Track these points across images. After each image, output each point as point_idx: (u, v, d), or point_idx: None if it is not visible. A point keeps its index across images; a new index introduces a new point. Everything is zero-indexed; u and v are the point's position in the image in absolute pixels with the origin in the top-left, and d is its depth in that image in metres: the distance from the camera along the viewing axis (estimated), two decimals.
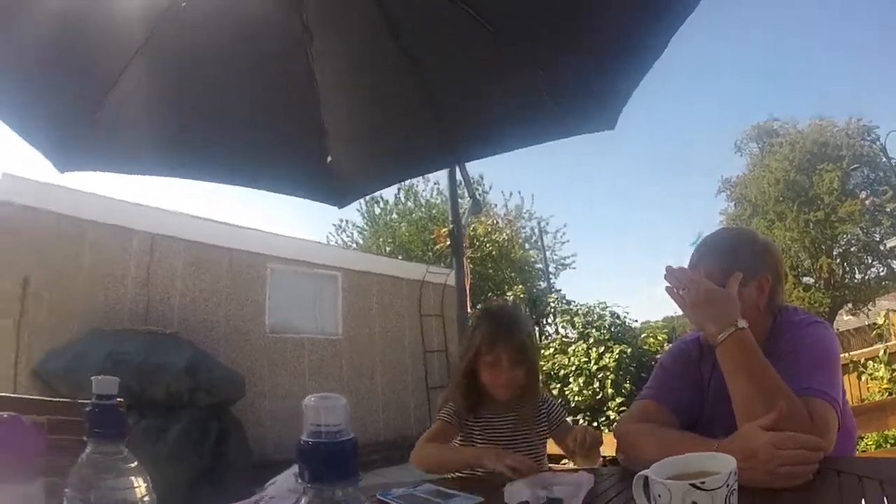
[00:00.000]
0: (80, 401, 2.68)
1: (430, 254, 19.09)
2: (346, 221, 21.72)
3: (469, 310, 4.85)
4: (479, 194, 5.69)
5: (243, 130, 2.89)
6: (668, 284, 1.68)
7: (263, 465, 6.69)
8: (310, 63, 2.65)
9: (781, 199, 24.70)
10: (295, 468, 1.51)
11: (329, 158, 3.01)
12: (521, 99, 2.68)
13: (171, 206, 11.58)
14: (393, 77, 2.78)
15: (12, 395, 2.61)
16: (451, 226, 4.10)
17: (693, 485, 0.87)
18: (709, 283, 1.62)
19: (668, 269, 1.70)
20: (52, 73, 2.21)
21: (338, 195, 3.32)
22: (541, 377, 2.22)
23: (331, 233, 21.69)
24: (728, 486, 0.88)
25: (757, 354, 1.51)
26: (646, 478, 0.99)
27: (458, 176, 4.96)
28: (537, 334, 8.73)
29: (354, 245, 20.91)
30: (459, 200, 4.84)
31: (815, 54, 42.67)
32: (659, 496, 0.91)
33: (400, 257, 17.72)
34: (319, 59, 2.66)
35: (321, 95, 2.80)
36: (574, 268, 18.56)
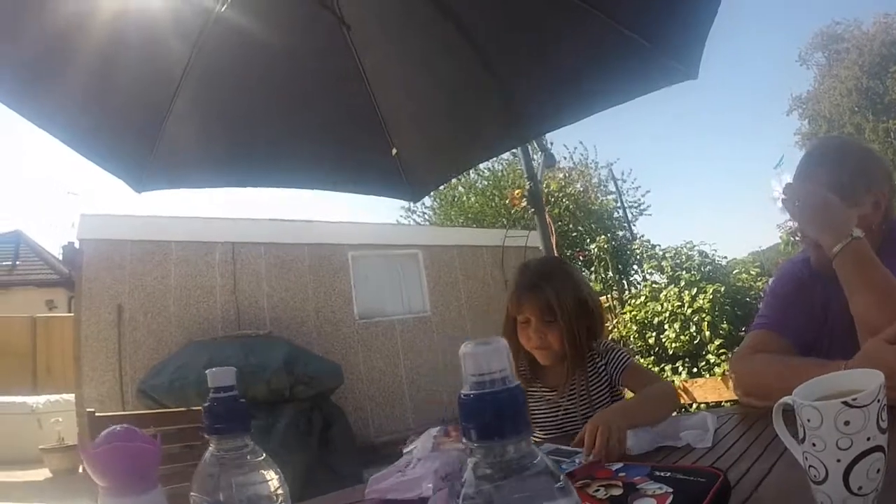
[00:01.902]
0: (182, 408, 2.80)
1: (504, 219, 18.91)
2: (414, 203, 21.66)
3: None
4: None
5: (304, 134, 2.88)
6: (784, 196, 1.57)
7: (367, 448, 6.84)
8: (355, 55, 2.60)
9: (857, 109, 23.37)
10: (432, 430, 1.50)
11: (394, 151, 2.96)
12: (593, 56, 2.49)
13: (246, 210, 11.78)
14: (446, 57, 2.67)
15: (118, 413, 2.69)
16: (528, 183, 3.96)
17: (846, 402, 0.81)
18: (823, 192, 1.52)
19: (787, 185, 1.58)
20: (114, 104, 2.26)
21: (411, 189, 3.26)
22: (589, 331, 1.94)
23: (401, 216, 21.74)
24: (878, 400, 0.82)
25: (876, 264, 1.42)
26: (784, 406, 0.93)
27: None
28: (624, 285, 8.51)
29: (427, 223, 20.91)
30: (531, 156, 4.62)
31: None
32: (808, 420, 0.85)
33: (474, 226, 17.61)
34: (365, 53, 2.61)
35: (373, 87, 2.75)
36: (649, 214, 18.07)
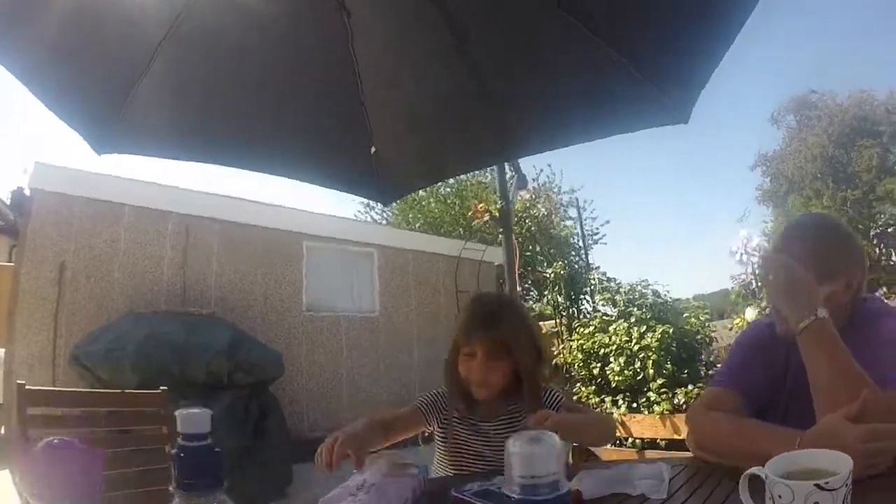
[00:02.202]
0: (120, 390, 2.69)
1: (461, 229, 18.97)
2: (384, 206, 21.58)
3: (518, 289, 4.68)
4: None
5: (283, 119, 2.78)
6: (761, 271, 1.66)
7: (299, 441, 6.73)
8: (351, 47, 2.53)
9: (819, 175, 24.16)
10: (385, 456, 1.42)
11: (373, 149, 2.90)
12: (589, 86, 2.46)
13: (205, 185, 11.54)
14: (441, 64, 2.62)
15: (50, 389, 2.57)
16: (499, 202, 3.94)
17: (818, 485, 0.87)
18: (797, 267, 1.56)
19: (763, 256, 1.68)
20: (85, 56, 2.16)
21: (383, 191, 3.22)
22: (540, 375, 1.96)
23: (359, 210, 21.63)
24: (847, 485, 0.88)
25: (837, 344, 1.46)
26: (750, 477, 0.97)
27: None
28: (574, 312, 8.58)
29: (384, 221, 20.83)
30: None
31: (856, 25, 40.65)
32: (780, 497, 0.90)
33: (430, 233, 17.62)
34: (360, 44, 2.54)
35: (363, 80, 2.68)
36: (605, 243, 18.38)
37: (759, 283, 1.76)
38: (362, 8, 2.34)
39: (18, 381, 2.16)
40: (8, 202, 15.51)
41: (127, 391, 2.67)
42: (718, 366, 2.09)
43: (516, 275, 4.40)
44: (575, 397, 7.39)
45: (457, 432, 1.94)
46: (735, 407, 1.67)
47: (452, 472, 1.94)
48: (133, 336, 5.96)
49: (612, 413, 6.47)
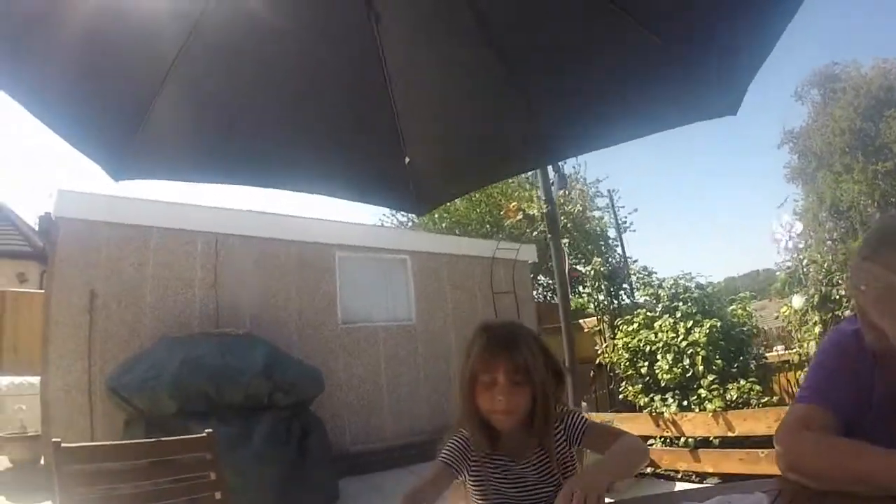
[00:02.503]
0: (175, 437, 2.57)
1: (488, 226, 18.81)
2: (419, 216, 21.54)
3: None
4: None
5: (308, 133, 2.63)
6: (853, 282, 1.58)
7: (342, 457, 6.61)
8: (380, 51, 2.35)
9: (847, 149, 23.65)
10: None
11: (407, 160, 2.73)
12: (634, 80, 2.28)
13: (231, 202, 11.51)
14: (475, 69, 2.45)
15: (89, 445, 2.46)
16: (545, 207, 3.78)
17: None
18: (890, 276, 1.48)
19: (853, 265, 1.60)
20: (96, 83, 2.05)
21: (418, 203, 3.05)
22: (557, 398, 1.86)
23: (384, 214, 21.58)
24: None
25: None
26: None
27: None
28: (615, 309, 8.37)
29: (410, 224, 20.74)
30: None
31: None
32: None
33: (457, 232, 17.51)
34: (390, 50, 2.37)
35: (394, 92, 2.52)
36: (634, 230, 18.11)
37: (848, 290, 1.63)
38: (392, 12, 2.16)
39: (54, 440, 2.03)
40: (36, 228, 15.83)
41: (171, 439, 2.52)
42: (801, 381, 1.94)
43: (567, 278, 4.22)
44: (621, 396, 7.20)
45: (489, 475, 1.80)
46: (826, 425, 1.58)
47: None
48: (168, 362, 5.85)
49: (663, 412, 6.31)
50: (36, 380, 7.72)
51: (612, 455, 1.63)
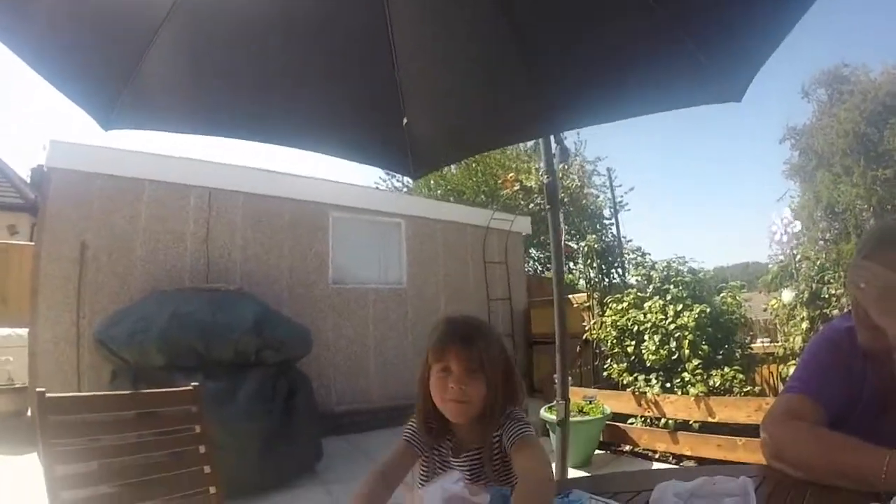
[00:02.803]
0: (164, 389, 2.56)
1: (483, 195, 18.79)
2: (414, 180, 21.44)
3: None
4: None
5: (307, 87, 2.58)
6: (853, 280, 1.57)
7: (326, 416, 6.65)
8: (385, 11, 2.33)
9: (849, 152, 23.49)
10: (442, 483, 1.26)
11: (405, 121, 2.70)
12: (642, 58, 2.25)
13: (227, 157, 11.44)
14: (481, 32, 2.41)
15: (73, 395, 2.45)
16: (546, 178, 3.73)
17: None
18: (890, 275, 1.50)
19: (852, 263, 1.61)
20: (88, 28, 1.99)
21: (414, 166, 3.00)
22: (513, 400, 1.84)
23: (381, 177, 21.51)
24: None
25: None
26: None
27: None
28: (606, 286, 8.40)
29: (405, 189, 20.70)
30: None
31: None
32: None
33: (452, 199, 17.49)
34: (395, 8, 2.34)
35: (397, 51, 2.48)
36: (629, 209, 18.07)
37: (853, 291, 1.63)
38: None
39: (38, 389, 2.02)
40: (28, 180, 15.78)
41: (156, 391, 2.53)
42: (792, 370, 1.97)
43: (563, 254, 4.18)
44: (605, 373, 7.25)
45: (432, 465, 1.82)
46: (814, 417, 1.61)
47: None
48: (157, 316, 5.82)
49: (646, 392, 6.40)
50: (24, 332, 7.72)
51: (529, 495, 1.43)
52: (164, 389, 2.49)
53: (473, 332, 1.79)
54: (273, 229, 8.60)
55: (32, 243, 8.68)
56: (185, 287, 7.15)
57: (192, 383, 2.46)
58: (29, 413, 7.00)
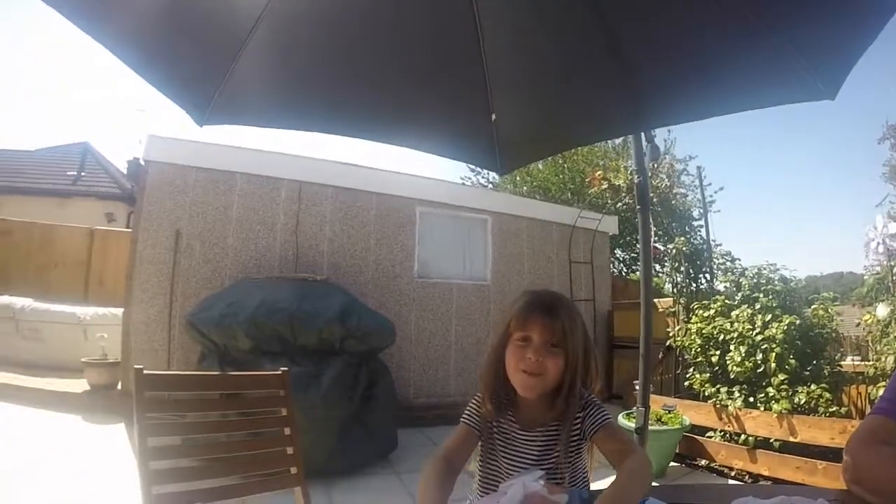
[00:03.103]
0: (255, 372, 2.67)
1: (569, 193, 18.54)
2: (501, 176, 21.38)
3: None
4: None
5: (395, 83, 2.62)
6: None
7: (404, 408, 6.72)
8: (474, 5, 2.33)
9: None
10: (524, 480, 1.28)
11: (493, 116, 2.70)
12: (735, 54, 2.18)
13: (317, 151, 11.69)
14: (573, 29, 2.38)
15: (169, 373, 2.58)
16: (637, 178, 3.66)
17: None
18: None
19: None
20: (186, 28, 2.09)
21: (501, 161, 3.01)
22: (590, 381, 1.81)
23: (466, 174, 21.56)
24: None
25: None
26: None
27: None
28: (693, 292, 8.13)
29: (490, 186, 20.68)
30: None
31: None
32: None
33: (538, 196, 17.34)
34: (484, 4, 2.34)
35: (486, 44, 2.48)
36: (718, 210, 17.44)
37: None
38: None
39: (136, 366, 2.13)
40: (125, 172, 16.68)
41: (247, 373, 2.66)
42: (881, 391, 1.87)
43: (651, 255, 4.10)
44: (686, 382, 7.02)
45: (495, 440, 1.80)
46: None
47: (482, 487, 1.83)
48: (246, 302, 6.03)
49: (728, 406, 6.15)
50: (118, 311, 8.24)
51: (630, 481, 1.48)
52: (254, 373, 2.61)
53: (558, 304, 1.77)
54: (360, 222, 8.77)
55: (129, 230, 9.19)
56: (273, 276, 7.39)
57: (281, 368, 2.54)
58: (119, 387, 7.44)
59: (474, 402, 1.84)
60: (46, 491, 4.55)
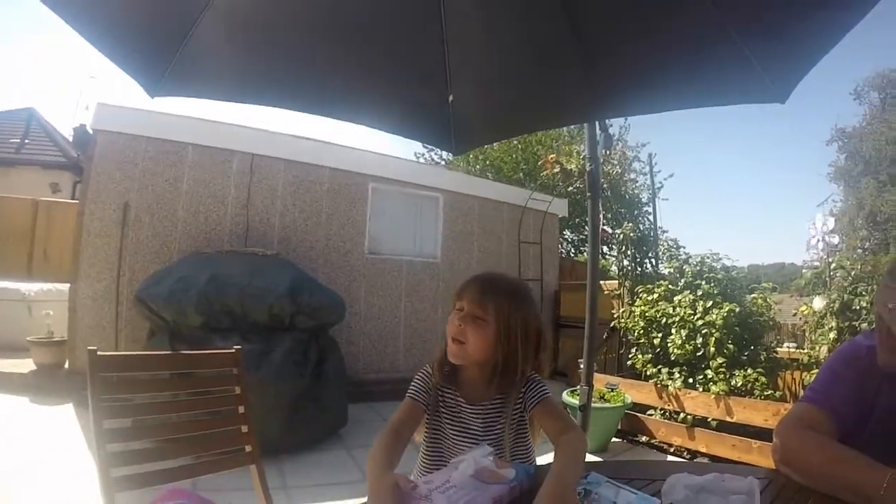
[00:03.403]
0: (210, 350, 2.66)
1: (521, 173, 18.69)
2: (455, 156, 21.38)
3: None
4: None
5: (353, 59, 2.61)
6: (881, 299, 1.63)
7: (354, 383, 6.77)
8: None
9: None
10: (474, 455, 1.33)
11: (451, 98, 2.73)
12: (692, 52, 2.25)
13: (270, 125, 11.52)
14: (534, 13, 2.41)
15: (121, 354, 2.56)
16: (589, 165, 3.71)
17: None
18: None
19: (883, 285, 1.65)
20: (142, 3, 2.07)
21: (456, 141, 3.04)
22: (529, 362, 1.85)
23: (419, 152, 21.53)
24: None
25: None
26: None
27: None
28: (638, 276, 8.32)
29: (443, 162, 20.70)
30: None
31: None
32: None
33: (489, 175, 17.43)
34: None
35: (447, 26, 2.50)
36: (666, 198, 17.81)
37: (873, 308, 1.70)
38: None
39: (90, 348, 2.13)
40: (70, 139, 16.12)
41: (200, 352, 2.66)
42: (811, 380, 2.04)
43: (599, 242, 4.18)
44: (629, 362, 7.24)
45: (440, 411, 1.88)
46: (824, 428, 1.66)
47: (428, 458, 1.89)
48: (196, 277, 5.97)
49: (668, 386, 6.42)
50: (64, 287, 8.05)
51: (570, 461, 1.51)
52: (207, 351, 2.61)
53: (500, 285, 1.86)
54: (312, 197, 8.71)
55: (75, 201, 8.92)
56: (224, 250, 7.30)
57: (234, 346, 2.55)
58: (66, 366, 7.26)
59: (419, 376, 1.90)
60: None
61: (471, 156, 20.33)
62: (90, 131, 7.44)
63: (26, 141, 16.46)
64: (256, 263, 6.58)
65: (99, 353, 2.12)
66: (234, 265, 6.36)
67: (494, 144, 19.82)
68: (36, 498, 4.17)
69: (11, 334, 8.30)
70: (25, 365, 7.37)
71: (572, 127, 19.20)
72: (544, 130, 16.37)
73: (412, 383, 1.89)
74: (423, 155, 21.29)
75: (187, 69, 2.30)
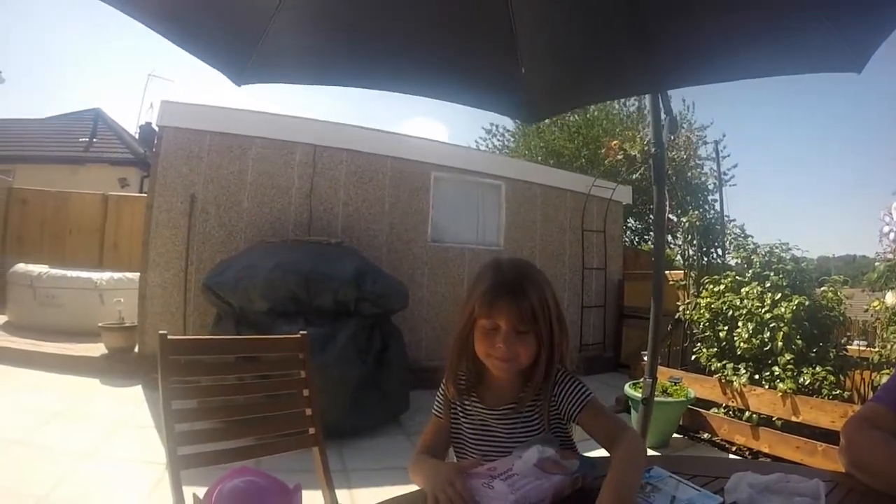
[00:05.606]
0: (275, 335, 2.70)
1: (583, 160, 18.40)
2: (496, 126, 21.31)
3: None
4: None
5: (425, 35, 2.62)
6: None
7: (416, 370, 6.81)
8: None
9: None
10: (538, 445, 1.32)
11: (523, 70, 2.70)
12: (762, 17, 2.13)
13: (331, 116, 11.68)
14: None
15: (191, 338, 2.63)
16: (653, 149, 3.61)
17: None
18: None
19: None
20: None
21: (530, 111, 3.08)
22: (562, 355, 1.69)
23: (481, 137, 21.45)
24: None
25: None
26: None
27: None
28: (704, 266, 8.08)
29: (506, 150, 20.57)
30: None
31: None
32: None
33: (551, 162, 17.24)
34: None
35: (514, 4, 2.47)
36: (734, 184, 17.14)
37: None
38: None
39: (160, 332, 2.19)
40: (136, 136, 16.74)
41: (268, 336, 2.71)
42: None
43: (665, 231, 4.06)
44: (693, 356, 7.00)
45: (461, 420, 1.78)
46: (892, 428, 1.59)
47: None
48: (262, 265, 6.10)
49: (733, 382, 6.15)
50: (133, 275, 8.47)
51: (628, 468, 1.40)
52: (275, 336, 2.65)
53: (524, 281, 1.64)
54: (375, 186, 8.79)
55: (143, 195, 9.25)
56: (288, 239, 7.47)
57: (301, 331, 2.59)
58: (136, 350, 7.60)
59: (439, 391, 1.82)
60: (73, 447, 4.70)
61: (532, 144, 20.18)
62: (156, 128, 7.73)
63: (94, 140, 17.17)
64: (321, 251, 6.68)
65: (169, 336, 2.18)
66: (299, 253, 6.47)
67: (556, 132, 19.63)
68: (107, 472, 4.37)
69: (85, 321, 8.68)
70: (97, 349, 7.75)
71: (633, 111, 18.86)
72: (608, 100, 16.12)
73: (435, 400, 1.83)
74: (486, 139, 21.23)
75: (270, 57, 2.34)
